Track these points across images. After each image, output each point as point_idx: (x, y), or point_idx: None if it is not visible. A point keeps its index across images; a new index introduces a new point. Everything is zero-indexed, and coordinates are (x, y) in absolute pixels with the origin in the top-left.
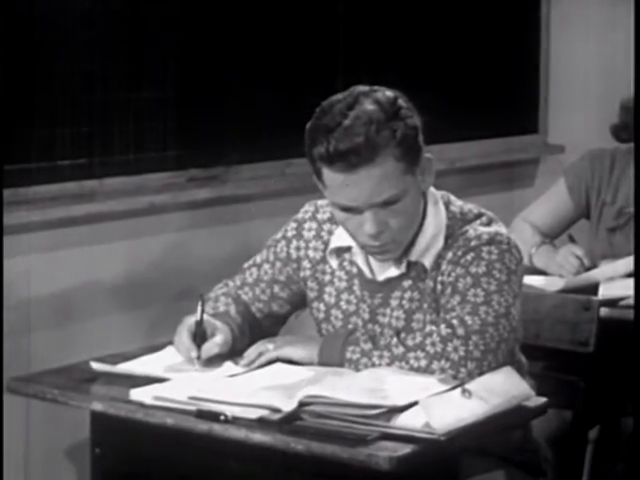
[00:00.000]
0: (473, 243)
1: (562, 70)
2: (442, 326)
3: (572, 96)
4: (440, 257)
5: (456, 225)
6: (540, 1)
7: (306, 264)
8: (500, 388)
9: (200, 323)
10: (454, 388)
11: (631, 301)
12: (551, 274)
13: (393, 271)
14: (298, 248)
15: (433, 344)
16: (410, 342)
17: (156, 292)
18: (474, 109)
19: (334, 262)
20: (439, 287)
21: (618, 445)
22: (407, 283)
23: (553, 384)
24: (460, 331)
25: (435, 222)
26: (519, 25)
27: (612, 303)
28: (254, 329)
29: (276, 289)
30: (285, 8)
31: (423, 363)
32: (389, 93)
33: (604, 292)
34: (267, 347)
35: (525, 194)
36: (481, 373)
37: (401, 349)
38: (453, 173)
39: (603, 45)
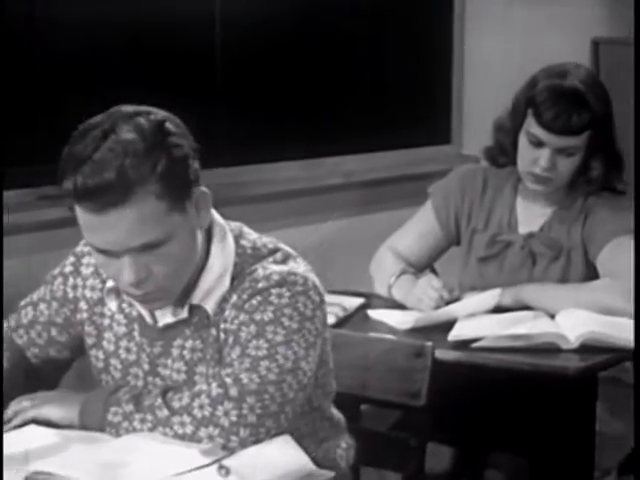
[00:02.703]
0: (261, 285)
1: (478, 74)
2: (214, 385)
3: (489, 103)
4: (225, 300)
5: (246, 263)
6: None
7: (83, 305)
8: (269, 463)
9: None
10: (216, 462)
11: (486, 343)
12: (410, 308)
13: (173, 316)
14: (75, 287)
15: (201, 407)
16: (176, 404)
17: None
18: (376, 118)
19: (113, 304)
20: (222, 336)
21: None
22: (189, 330)
23: (380, 442)
24: (233, 392)
25: (222, 259)
26: (430, 24)
27: (464, 345)
28: (30, 377)
29: (53, 332)
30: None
31: (189, 429)
32: (155, 117)
33: (457, 332)
34: (23, 405)
35: None
36: (257, 441)
37: (165, 412)
38: (350, 188)
39: (524, 47)
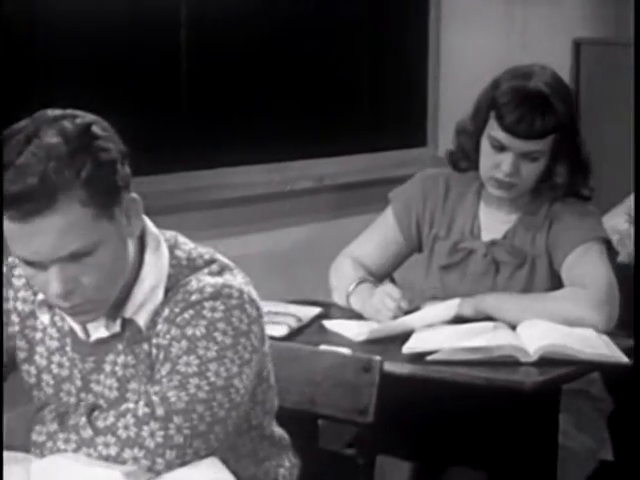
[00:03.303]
0: (194, 298)
1: (455, 75)
2: (140, 404)
3: (466, 105)
4: (157, 314)
5: (180, 274)
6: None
7: (15, 318)
8: None
9: None
10: None
11: (442, 356)
12: (368, 319)
13: (105, 330)
14: (7, 299)
15: (126, 427)
16: (101, 424)
17: None
18: (349, 120)
19: (45, 317)
20: (154, 351)
21: None
22: (121, 345)
23: (327, 460)
24: (159, 411)
25: (155, 271)
26: (405, 23)
27: (419, 358)
28: None
29: None
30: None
31: (113, 450)
32: (81, 120)
33: (412, 344)
34: None
35: None
36: (184, 463)
37: (89, 432)
38: (322, 191)
39: (503, 48)
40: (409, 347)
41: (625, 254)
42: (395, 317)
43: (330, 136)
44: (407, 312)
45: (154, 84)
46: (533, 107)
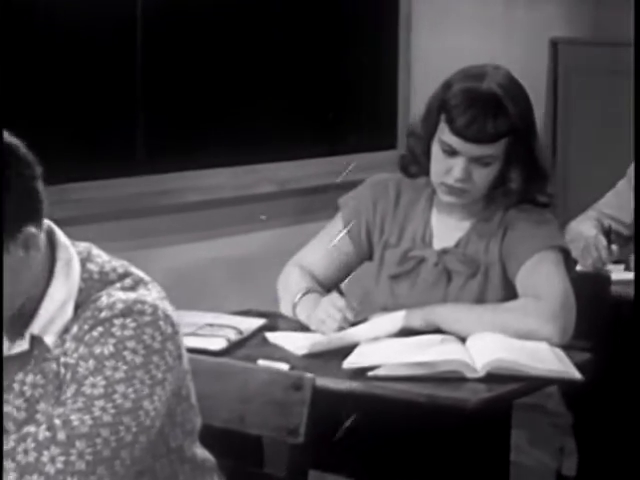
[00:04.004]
0: (103, 314)
1: (426, 75)
2: (42, 427)
3: None
4: (67, 331)
5: (92, 288)
6: None
7: None
8: None
9: None
10: None
11: (384, 371)
12: (314, 331)
13: (14, 347)
14: None
15: (26, 452)
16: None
17: None
18: (316, 122)
19: None
20: (62, 370)
21: None
22: (30, 364)
23: None
24: (61, 435)
25: (65, 286)
26: (374, 22)
27: (361, 374)
28: None
29: None
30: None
31: (13, 477)
32: None
33: (353, 359)
34: None
35: None
36: None
37: None
38: (284, 196)
39: (477, 48)
40: (349, 362)
41: (590, 262)
42: (341, 329)
43: (295, 139)
44: (355, 324)
45: (108, 84)
46: (484, 109)
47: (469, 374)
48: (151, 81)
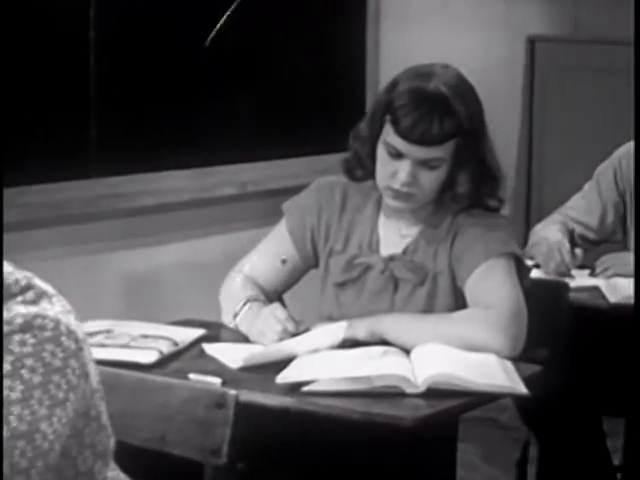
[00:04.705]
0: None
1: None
2: None
3: None
4: None
5: None
6: None
7: None
8: None
9: None
10: None
11: (319, 386)
12: (254, 342)
13: None
14: None
15: None
16: None
17: None
18: (281, 122)
19: None
20: None
21: None
22: None
23: None
24: None
25: None
26: (341, 18)
27: (297, 389)
28: None
29: None
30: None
31: None
32: None
33: (287, 373)
34: None
35: None
36: None
37: None
38: (245, 199)
39: (451, 46)
40: (283, 377)
41: (553, 267)
42: (281, 341)
43: (256, 139)
44: (297, 335)
45: (61, 85)
46: (430, 110)
47: (409, 389)
48: (105, 82)
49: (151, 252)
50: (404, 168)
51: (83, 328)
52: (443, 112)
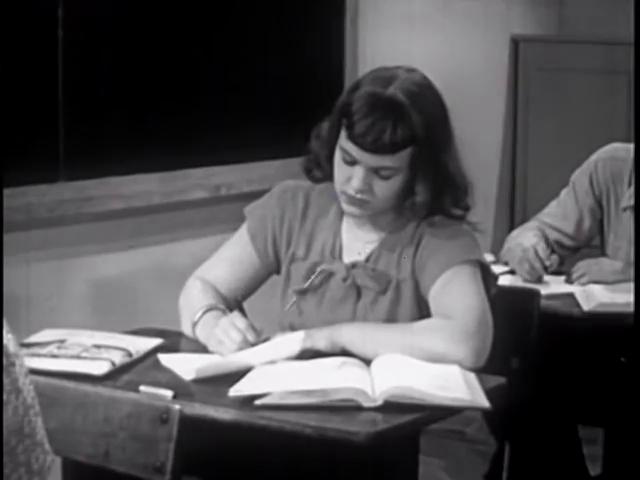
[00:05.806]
0: None
1: None
2: None
3: None
4: None
5: None
6: None
7: None
8: None
9: None
10: None
11: (272, 400)
12: (212, 352)
13: None
14: None
15: None
16: None
17: None
18: (253, 125)
19: None
20: None
21: None
22: None
23: None
24: None
25: None
26: (317, 23)
27: (250, 402)
28: None
29: None
30: None
31: None
32: None
33: (240, 386)
34: None
35: None
36: None
37: None
38: (218, 202)
39: (433, 47)
40: (236, 390)
41: (525, 273)
42: (240, 350)
43: (228, 142)
44: (256, 344)
45: (29, 88)
46: (384, 117)
47: (366, 403)
48: (73, 84)
49: (121, 257)
50: (357, 175)
51: (14, 342)
52: (397, 120)
